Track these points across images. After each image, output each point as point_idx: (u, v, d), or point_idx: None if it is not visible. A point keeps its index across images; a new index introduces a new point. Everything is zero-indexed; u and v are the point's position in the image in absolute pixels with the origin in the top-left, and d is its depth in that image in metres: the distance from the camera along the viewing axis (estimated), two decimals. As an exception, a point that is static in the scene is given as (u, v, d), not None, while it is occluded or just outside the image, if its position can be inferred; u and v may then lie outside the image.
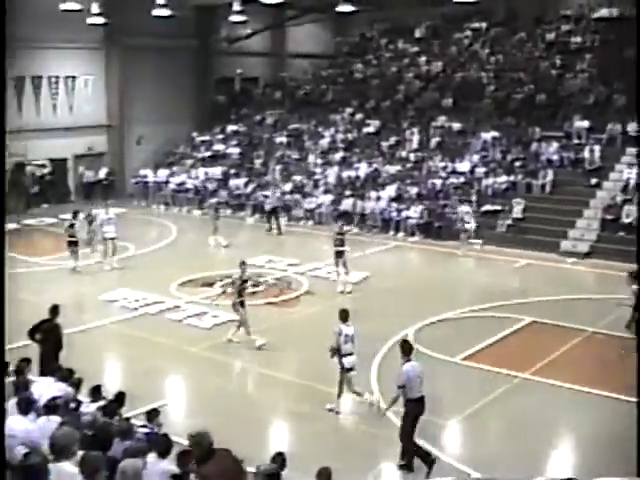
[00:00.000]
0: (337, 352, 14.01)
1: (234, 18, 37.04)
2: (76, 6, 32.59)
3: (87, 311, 21.15)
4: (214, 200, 32.65)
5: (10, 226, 30.50)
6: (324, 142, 38.94)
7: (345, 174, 35.46)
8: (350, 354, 14.11)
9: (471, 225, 29.01)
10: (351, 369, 14.19)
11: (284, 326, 19.69)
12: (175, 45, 41.69)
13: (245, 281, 18.61)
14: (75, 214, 26.50)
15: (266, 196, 34.14)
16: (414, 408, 12.14)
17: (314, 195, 34.75)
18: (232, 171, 38.71)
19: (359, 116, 40.02)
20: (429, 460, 12.13)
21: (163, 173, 39.91)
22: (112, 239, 25.94)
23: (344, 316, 14.30)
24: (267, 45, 48.65)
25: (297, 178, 36.35)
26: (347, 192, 33.94)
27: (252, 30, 44.21)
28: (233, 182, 37.44)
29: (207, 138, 42.96)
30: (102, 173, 40.88)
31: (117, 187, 41.14)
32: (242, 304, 18.13)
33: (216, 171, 38.86)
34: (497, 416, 14.61)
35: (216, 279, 23.58)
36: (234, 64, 46.71)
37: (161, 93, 41.81)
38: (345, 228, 23.76)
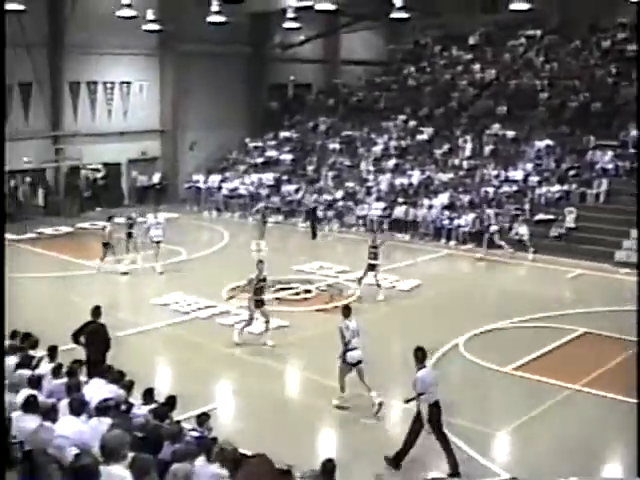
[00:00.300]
0: (345, 346, 14.56)
1: (288, 25, 37.33)
2: (131, 13, 33.08)
3: (139, 314, 21.37)
4: (261, 204, 32.76)
5: (64, 229, 31.01)
6: (377, 149, 38.93)
7: (398, 181, 35.41)
8: (355, 348, 14.58)
9: (496, 228, 29.01)
10: (359, 362, 14.59)
11: (333, 333, 19.64)
12: (229, 51, 42.07)
13: (262, 280, 18.88)
14: (110, 218, 26.71)
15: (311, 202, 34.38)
16: (434, 412, 12.23)
17: (366, 202, 34.74)
18: (284, 177, 38.89)
19: (412, 123, 39.96)
20: (400, 460, 12.38)
21: (215, 179, 40.21)
22: (158, 242, 26.29)
23: (347, 313, 14.99)
24: (320, 52, 48.83)
25: (349, 185, 36.39)
26: (399, 199, 33.87)
27: (305, 37, 44.42)
28: (285, 188, 37.61)
29: (260, 144, 43.21)
30: (155, 178, 41.42)
31: (170, 192, 41.67)
32: (262, 302, 18.65)
33: (268, 177, 39.06)
34: (547, 428, 14.40)
35: (267, 284, 23.64)
36: (287, 71, 46.97)
37: (214, 99, 42.22)
38: (378, 241, 23.67)
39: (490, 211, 29.91)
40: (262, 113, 46.05)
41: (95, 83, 39.64)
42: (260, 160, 41.49)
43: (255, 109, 45.62)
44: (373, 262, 22.97)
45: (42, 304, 22.32)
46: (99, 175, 39.73)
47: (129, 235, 27.30)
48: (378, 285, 22.96)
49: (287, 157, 41.06)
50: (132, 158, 41.43)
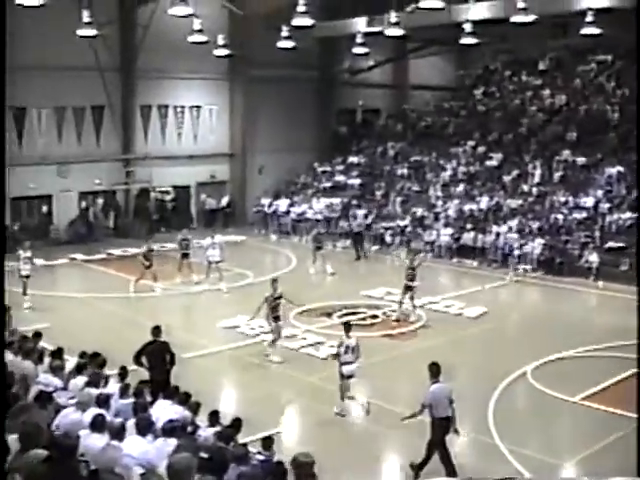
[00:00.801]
0: (337, 358, 16.06)
1: (356, 50, 37.47)
2: (202, 38, 33.56)
3: (206, 336, 21.53)
4: (315, 231, 32.69)
5: (132, 250, 31.50)
6: (445, 175, 38.80)
7: (466, 207, 35.20)
8: (349, 362, 15.92)
9: (518, 252, 29.48)
10: (351, 376, 15.96)
11: (398, 359, 19.61)
12: (297, 76, 42.43)
13: (278, 297, 19.50)
14: (148, 241, 27.10)
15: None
16: (439, 426, 12.75)
17: (434, 228, 34.58)
18: (353, 202, 38.92)
19: (481, 149, 39.75)
20: (418, 473, 12.94)
21: (284, 202, 40.54)
22: (217, 262, 26.84)
23: (347, 329, 16.42)
24: (389, 77, 48.95)
25: (417, 210, 36.28)
26: (468, 225, 33.65)
27: (374, 62, 44.61)
28: (353, 213, 37.60)
29: (328, 169, 43.44)
30: (224, 201, 41.91)
31: (238, 215, 42.13)
32: (277, 318, 19.45)
33: (336, 202, 39.17)
34: (615, 460, 14.05)
35: (335, 309, 23.75)
36: (356, 95, 47.15)
37: (283, 123, 42.65)
38: (415, 262, 23.66)
39: (514, 235, 30.14)
40: (331, 138, 46.30)
41: (166, 107, 40.41)
42: (328, 184, 41.68)
43: (323, 133, 45.90)
44: (410, 284, 23.03)
45: (110, 324, 22.60)
46: (168, 198, 40.36)
47: (184, 256, 27.73)
48: (414, 306, 23.13)
49: (355, 182, 41.16)
50: (201, 181, 42.06)
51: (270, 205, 40.62)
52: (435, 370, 13.01)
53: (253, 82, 41.24)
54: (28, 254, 24.60)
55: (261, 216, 40.78)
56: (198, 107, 41.63)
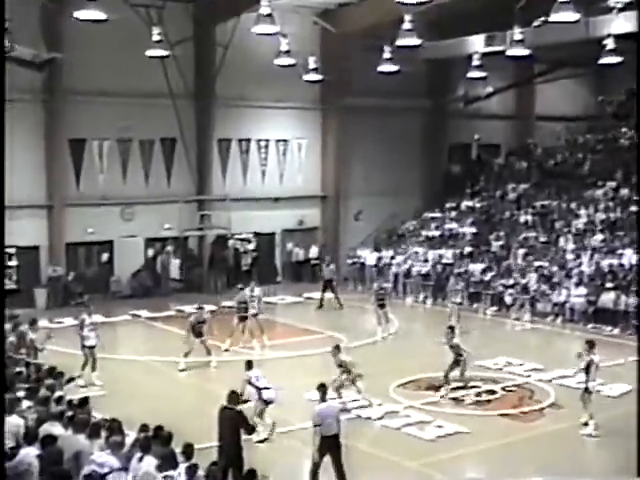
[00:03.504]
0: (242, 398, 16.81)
1: (472, 74, 37.40)
2: (291, 61, 33.79)
3: (290, 410, 21.27)
4: (375, 285, 32.31)
5: (206, 307, 31.62)
6: (579, 223, 38.06)
7: (605, 262, 34.37)
8: (267, 388, 18.52)
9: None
10: (271, 402, 18.60)
11: (518, 445, 19.03)
12: (402, 105, 42.59)
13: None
14: (200, 308, 26.60)
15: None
16: (323, 444, 15.06)
17: (564, 287, 33.85)
18: (466, 254, 38.48)
19: (624, 192, 38.90)
20: None
21: (385, 254, 40.45)
22: (254, 316, 27.63)
23: (249, 365, 18.92)
24: (511, 106, 48.69)
25: (544, 265, 35.60)
26: (607, 284, 32.81)
27: (493, 88, 44.42)
28: (470, 267, 37.14)
29: (438, 215, 43.25)
30: (313, 251, 42.08)
31: (330, 268, 41.96)
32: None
33: (447, 254, 38.79)
34: None
35: (443, 382, 23.28)
36: (471, 128, 47.02)
37: (384, 161, 42.86)
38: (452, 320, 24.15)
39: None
40: (441, 178, 46.23)
41: (248, 140, 40.93)
42: (437, 233, 41.39)
43: (432, 173, 45.87)
44: (459, 357, 22.61)
45: (176, 392, 22.66)
46: (250, 247, 40.59)
47: (242, 319, 27.75)
48: (462, 373, 22.71)
49: (469, 230, 40.73)
50: (288, 228, 42.40)
51: (371, 257, 40.52)
52: (322, 391, 15.75)
53: (349, 112, 41.54)
54: (93, 319, 24.25)
55: (357, 270, 40.73)
56: (285, 141, 42.13)
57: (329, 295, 35.15)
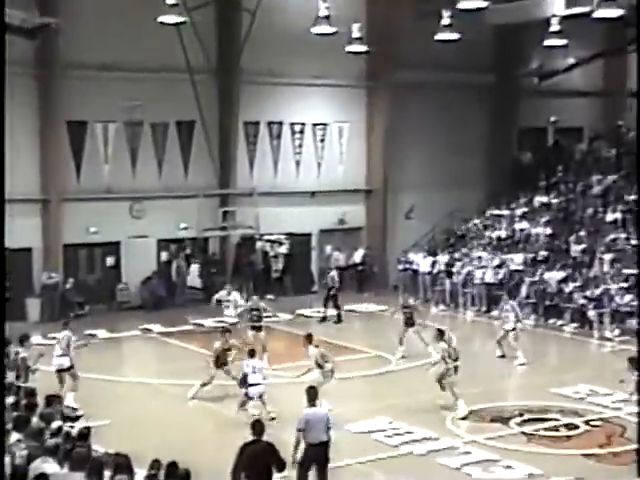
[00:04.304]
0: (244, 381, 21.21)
1: (549, 42, 36.95)
2: (331, 29, 33.53)
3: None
4: (400, 300, 31.89)
5: (230, 320, 31.52)
6: (679, 222, 37.68)
7: None
8: (257, 384, 21.37)
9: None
10: (252, 398, 21.27)
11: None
12: (463, 81, 42.49)
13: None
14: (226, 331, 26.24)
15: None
16: (309, 453, 16.00)
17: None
18: (540, 260, 38.14)
19: None
20: None
21: (442, 259, 40.19)
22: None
23: (252, 353, 22.33)
24: (597, 80, 48.41)
25: (635, 273, 35.20)
26: None
27: (576, 59, 43.97)
28: (545, 276, 36.79)
29: (505, 212, 42.97)
30: (357, 256, 41.99)
31: (377, 275, 42.19)
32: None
33: (517, 259, 38.50)
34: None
35: (513, 413, 23.10)
36: (547, 108, 46.66)
37: (442, 147, 42.81)
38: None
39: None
40: (509, 168, 45.92)
41: (279, 124, 40.90)
42: (505, 234, 41.10)
43: (499, 163, 45.65)
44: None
45: (193, 422, 22.54)
46: (281, 250, 40.33)
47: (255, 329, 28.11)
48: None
49: (544, 231, 40.37)
50: (326, 228, 42.36)
51: (426, 262, 40.29)
52: (312, 394, 16.69)
53: (400, 90, 41.37)
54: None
55: (409, 277, 40.62)
56: (324, 125, 42.10)
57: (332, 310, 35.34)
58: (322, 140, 42.00)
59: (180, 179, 38.52)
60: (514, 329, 30.01)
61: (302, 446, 16.01)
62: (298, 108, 41.08)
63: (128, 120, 36.67)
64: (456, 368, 23.51)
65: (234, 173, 39.65)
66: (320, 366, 22.73)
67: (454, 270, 39.26)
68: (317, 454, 16.09)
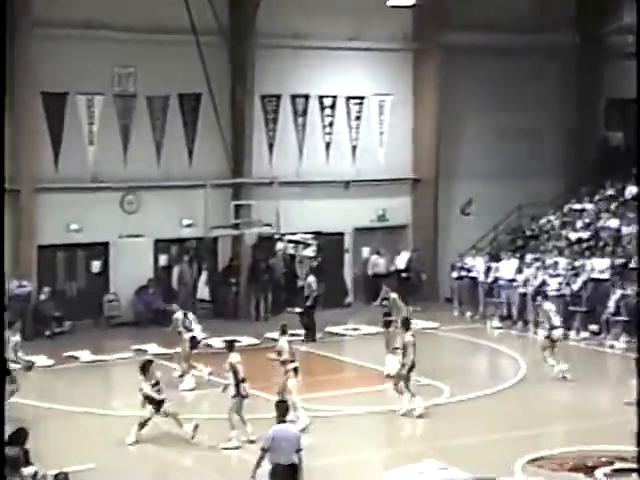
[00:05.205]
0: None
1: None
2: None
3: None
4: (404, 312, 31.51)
5: (244, 340, 31.19)
6: None
7: None
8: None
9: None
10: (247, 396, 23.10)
11: None
12: (534, 43, 42.21)
13: None
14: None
15: None
16: (276, 475, 16.36)
17: None
18: (633, 267, 37.54)
19: None
20: None
21: (507, 265, 39.71)
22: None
23: (230, 347, 24.02)
24: None
25: None
26: None
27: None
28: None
29: (588, 206, 42.51)
30: (401, 260, 41.73)
31: (425, 284, 42.01)
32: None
33: (602, 265, 37.85)
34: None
35: (598, 459, 22.38)
36: None
37: (507, 126, 42.49)
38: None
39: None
40: (594, 152, 45.57)
41: (305, 97, 40.68)
42: (587, 235, 40.58)
43: (581, 145, 45.39)
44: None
45: (195, 465, 22.32)
46: (307, 253, 39.90)
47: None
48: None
49: (633, 230, 39.73)
50: (363, 226, 42.23)
51: (487, 268, 40.07)
52: (283, 408, 17.32)
53: (455, 54, 41.31)
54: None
55: (466, 286, 40.36)
56: (360, 98, 41.82)
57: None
58: (358, 117, 41.82)
59: (183, 165, 38.43)
60: (548, 337, 29.87)
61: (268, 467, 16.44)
62: (328, 78, 40.99)
63: (119, 92, 36.60)
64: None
65: (249, 158, 39.48)
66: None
67: (521, 278, 38.80)
68: (283, 476, 16.44)
